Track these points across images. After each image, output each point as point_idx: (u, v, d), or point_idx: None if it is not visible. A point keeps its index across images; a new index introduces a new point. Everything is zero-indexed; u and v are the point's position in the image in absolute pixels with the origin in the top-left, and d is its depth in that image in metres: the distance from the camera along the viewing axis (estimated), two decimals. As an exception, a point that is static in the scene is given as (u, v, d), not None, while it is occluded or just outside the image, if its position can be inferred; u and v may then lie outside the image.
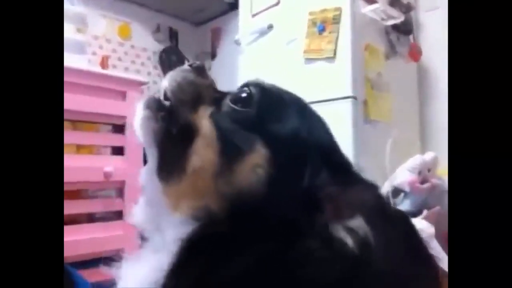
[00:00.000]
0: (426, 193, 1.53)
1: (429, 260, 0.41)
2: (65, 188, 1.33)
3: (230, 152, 0.45)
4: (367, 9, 1.76)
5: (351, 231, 0.37)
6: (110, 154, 1.49)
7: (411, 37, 2.03)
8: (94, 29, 2.74)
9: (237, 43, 2.20)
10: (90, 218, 1.44)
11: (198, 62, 0.56)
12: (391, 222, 0.40)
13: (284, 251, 0.38)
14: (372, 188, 0.44)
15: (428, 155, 1.64)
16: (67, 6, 2.52)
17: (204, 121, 0.48)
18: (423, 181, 1.55)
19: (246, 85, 0.51)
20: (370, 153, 1.65)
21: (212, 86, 0.54)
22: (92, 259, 1.26)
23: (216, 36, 3.16)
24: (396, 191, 1.56)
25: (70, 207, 1.34)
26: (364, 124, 1.68)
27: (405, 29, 1.96)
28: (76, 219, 1.38)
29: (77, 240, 1.30)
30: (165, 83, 0.52)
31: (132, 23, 2.97)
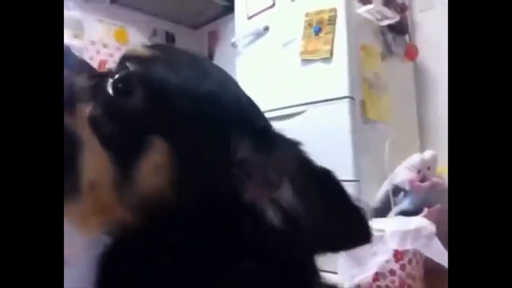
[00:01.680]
0: (426, 191, 1.54)
1: (356, 212, 0.37)
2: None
3: (122, 158, 0.38)
4: (362, 10, 1.77)
5: (277, 204, 0.35)
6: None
7: (407, 36, 2.05)
8: (90, 34, 2.74)
9: (234, 45, 2.21)
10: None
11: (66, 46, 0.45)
12: (316, 179, 0.36)
13: (214, 245, 0.36)
14: (294, 146, 0.38)
15: (427, 154, 1.65)
16: (63, 12, 2.52)
17: (82, 126, 0.39)
18: (423, 180, 1.56)
19: (123, 60, 0.41)
20: (369, 153, 1.66)
21: (85, 73, 0.43)
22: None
23: (212, 39, 3.17)
24: (396, 190, 1.57)
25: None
26: (362, 124, 1.69)
27: (401, 29, 1.98)
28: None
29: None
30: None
31: (128, 27, 2.97)
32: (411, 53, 2.03)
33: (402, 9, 1.98)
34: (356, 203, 0.36)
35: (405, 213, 1.49)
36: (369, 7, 1.76)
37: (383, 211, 1.55)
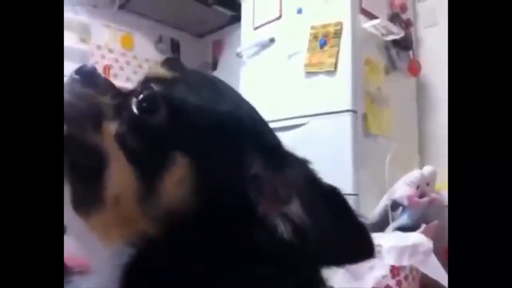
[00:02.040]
0: (424, 207, 1.54)
1: (361, 230, 0.39)
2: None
3: (147, 173, 0.40)
4: (368, 25, 1.79)
5: (287, 219, 0.37)
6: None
7: (410, 52, 2.06)
8: (97, 39, 2.77)
9: (239, 55, 2.23)
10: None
11: (87, 66, 0.48)
12: (324, 197, 0.39)
13: (227, 257, 0.38)
14: (303, 165, 0.41)
15: (427, 169, 1.65)
16: (71, 16, 2.56)
17: (109, 142, 0.42)
18: (421, 195, 1.56)
19: (147, 79, 0.44)
20: (369, 167, 1.66)
21: (110, 92, 0.46)
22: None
23: (217, 48, 3.19)
24: (395, 205, 1.57)
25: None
26: (364, 137, 1.70)
27: (405, 44, 1.99)
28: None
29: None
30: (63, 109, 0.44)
31: (134, 33, 3.00)
32: (414, 68, 2.05)
33: (407, 25, 2.00)
34: (361, 219, 0.38)
35: (402, 228, 1.48)
36: (374, 22, 1.78)
37: (381, 225, 1.55)
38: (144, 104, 0.42)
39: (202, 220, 0.39)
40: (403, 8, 2.02)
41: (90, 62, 2.67)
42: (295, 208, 0.37)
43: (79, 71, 0.47)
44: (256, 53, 2.13)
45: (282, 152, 0.42)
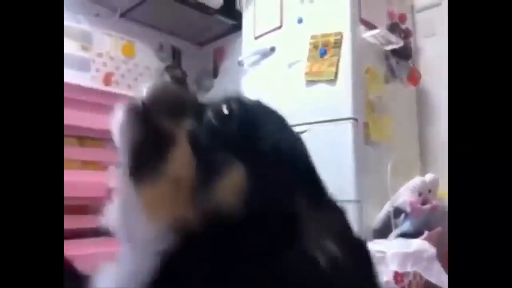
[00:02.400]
0: (427, 214, 1.55)
1: (379, 283, 0.44)
2: (70, 203, 1.35)
3: (208, 168, 0.45)
4: (368, 34, 1.81)
5: (323, 250, 0.40)
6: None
7: (410, 61, 2.09)
8: (98, 47, 2.78)
9: (240, 64, 2.25)
10: (94, 233, 1.45)
11: (179, 72, 0.56)
12: (354, 246, 0.44)
13: (262, 269, 0.40)
14: (342, 213, 0.46)
15: (429, 176, 1.67)
16: (73, 24, 2.57)
17: (182, 134, 0.47)
18: (424, 202, 1.57)
19: (227, 99, 0.51)
20: (371, 174, 1.67)
21: (193, 98, 0.53)
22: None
23: (218, 56, 3.21)
24: (397, 212, 1.58)
25: (74, 222, 1.35)
26: (365, 145, 1.71)
27: (405, 54, 2.02)
28: (80, 234, 1.38)
29: (80, 255, 1.31)
30: (145, 91, 0.51)
31: (136, 41, 3.01)
32: (414, 77, 2.07)
33: (406, 35, 2.03)
34: (377, 272, 0.44)
35: (405, 235, 1.49)
36: (374, 32, 1.80)
37: (383, 232, 1.56)
38: (221, 115, 0.48)
39: (245, 229, 0.42)
40: (402, 18, 2.05)
41: (92, 70, 2.68)
42: (330, 246, 0.40)
43: (172, 75, 0.55)
44: (257, 61, 2.15)
45: (325, 195, 0.48)
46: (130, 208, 0.46)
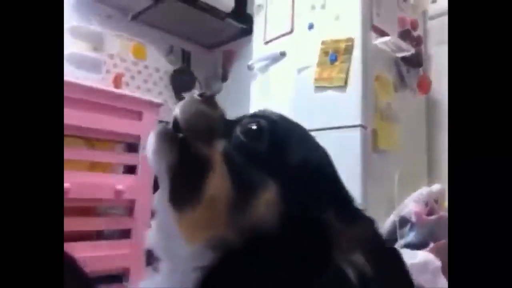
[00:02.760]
0: (433, 225, 1.53)
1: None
2: (77, 204, 1.36)
3: (243, 187, 0.46)
4: (379, 41, 1.80)
5: (352, 264, 0.41)
6: (122, 173, 1.51)
7: (421, 69, 2.07)
8: (109, 48, 2.80)
9: (250, 68, 2.25)
10: (99, 235, 1.45)
11: (208, 92, 0.56)
12: (384, 255, 0.44)
13: (296, 282, 0.41)
14: (371, 224, 0.47)
15: (435, 187, 1.65)
16: (85, 26, 2.60)
17: (217, 155, 0.49)
18: (430, 213, 1.55)
19: (255, 116, 0.52)
20: (378, 182, 1.66)
21: (222, 117, 0.55)
22: (98, 277, 1.27)
23: (227, 60, 3.22)
24: (403, 221, 1.56)
25: (80, 224, 1.36)
26: (373, 153, 1.70)
27: (416, 61, 2.00)
28: (85, 236, 1.39)
29: (86, 256, 1.31)
30: (176, 112, 0.52)
31: (146, 44, 3.03)
32: (424, 85, 2.05)
33: (417, 42, 2.01)
34: (414, 281, 0.45)
35: (410, 246, 1.48)
36: (385, 39, 1.79)
37: (389, 242, 1.54)
38: (251, 132, 0.50)
39: (279, 243, 0.43)
40: (414, 25, 2.03)
41: (102, 71, 2.71)
42: (359, 258, 0.41)
43: (202, 94, 0.55)
44: (267, 66, 2.15)
45: (353, 207, 0.49)
46: (169, 231, 0.48)
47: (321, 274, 0.40)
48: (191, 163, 0.49)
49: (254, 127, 0.50)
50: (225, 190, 0.46)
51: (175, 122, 0.52)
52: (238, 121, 0.53)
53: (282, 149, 0.49)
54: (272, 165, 0.47)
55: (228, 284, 0.42)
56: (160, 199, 0.51)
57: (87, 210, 1.43)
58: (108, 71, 2.80)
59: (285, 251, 0.43)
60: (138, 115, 1.55)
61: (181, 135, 0.51)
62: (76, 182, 1.31)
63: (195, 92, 0.55)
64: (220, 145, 0.50)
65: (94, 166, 1.46)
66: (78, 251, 1.28)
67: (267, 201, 0.45)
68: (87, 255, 1.33)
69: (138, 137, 1.51)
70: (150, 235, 0.52)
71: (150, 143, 0.51)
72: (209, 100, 0.55)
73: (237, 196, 0.45)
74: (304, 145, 0.51)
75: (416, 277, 1.23)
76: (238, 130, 0.51)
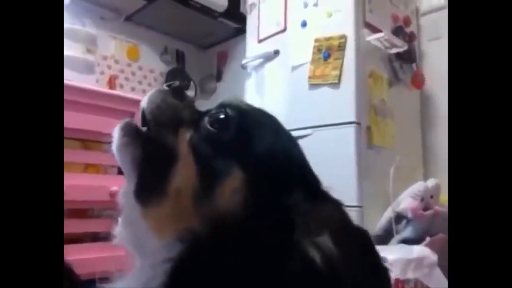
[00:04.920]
0: (428, 220, 1.54)
1: (384, 272, 0.44)
2: (71, 206, 1.35)
3: (209, 176, 0.46)
4: (372, 38, 1.80)
5: (319, 248, 0.40)
6: (117, 174, 1.50)
7: (414, 65, 2.07)
8: (103, 50, 2.80)
9: (244, 67, 2.25)
10: (94, 237, 1.44)
11: (176, 83, 0.56)
12: (353, 237, 0.43)
13: (263, 268, 0.40)
14: (338, 205, 0.46)
15: (431, 182, 1.65)
16: (78, 28, 2.59)
17: (183, 145, 0.49)
18: (426, 208, 1.56)
19: (223, 105, 0.52)
20: (373, 178, 1.66)
21: (190, 108, 0.54)
22: (94, 279, 1.26)
23: (222, 59, 3.22)
24: (399, 217, 1.57)
25: (75, 226, 1.35)
26: (368, 149, 1.70)
27: (409, 57, 2.00)
28: (81, 238, 1.38)
29: (81, 259, 1.30)
30: (143, 104, 0.52)
31: (140, 45, 3.03)
32: (418, 81, 2.06)
33: (410, 38, 2.02)
34: (385, 264, 0.43)
35: (407, 241, 1.48)
36: (378, 35, 1.79)
37: (385, 238, 1.54)
38: (218, 122, 0.50)
39: (245, 229, 0.43)
40: (407, 21, 2.04)
41: (96, 72, 2.70)
42: (326, 240, 0.40)
43: (169, 85, 0.55)
44: (261, 65, 2.15)
45: (319, 190, 0.48)
46: (137, 226, 0.48)
47: (287, 259, 0.40)
48: (157, 156, 0.49)
49: (221, 116, 0.50)
50: (191, 181, 0.46)
51: (142, 113, 0.51)
52: (206, 112, 0.52)
53: (249, 137, 0.49)
54: (238, 153, 0.47)
55: (196, 274, 0.41)
56: (126, 195, 0.50)
57: (82, 212, 1.42)
58: (102, 73, 2.79)
59: (251, 238, 0.42)
60: (132, 116, 1.54)
61: (145, 128, 0.51)
62: (71, 184, 1.30)
63: (164, 85, 0.55)
64: (186, 136, 0.50)
65: (89, 168, 1.45)
66: (73, 253, 1.27)
67: (232, 188, 0.45)
68: (82, 257, 1.33)
69: (132, 138, 1.50)
70: (117, 232, 0.51)
71: (114, 138, 0.51)
72: (176, 91, 0.54)
73: (203, 185, 0.45)
74: (271, 133, 0.51)
75: (414, 272, 1.23)
76: (205, 120, 0.50)
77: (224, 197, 0.44)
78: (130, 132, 0.51)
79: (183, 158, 0.47)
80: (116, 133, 0.51)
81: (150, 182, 0.48)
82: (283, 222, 0.43)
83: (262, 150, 0.48)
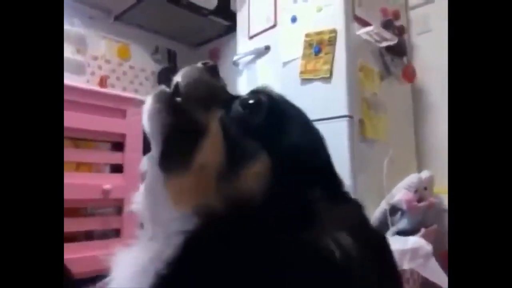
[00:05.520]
0: (423, 212, 1.54)
1: (398, 277, 0.45)
2: (65, 205, 1.34)
3: (235, 157, 0.46)
4: (362, 31, 1.80)
5: (338, 243, 0.40)
6: (109, 172, 1.49)
7: (405, 58, 2.08)
8: (93, 50, 2.78)
9: (235, 64, 2.24)
10: (89, 235, 1.43)
11: (212, 62, 0.57)
12: (371, 239, 0.44)
13: (278, 255, 0.40)
14: (358, 208, 0.47)
15: (424, 174, 1.66)
16: (67, 27, 2.57)
17: (213, 122, 0.49)
18: (420, 200, 1.57)
19: (256, 91, 0.53)
20: (367, 172, 1.66)
21: (223, 88, 0.55)
22: (90, 277, 1.25)
23: (213, 57, 3.21)
24: (394, 210, 1.57)
25: (69, 225, 1.34)
26: (361, 143, 1.70)
27: (399, 50, 2.01)
28: (75, 237, 1.37)
29: (75, 258, 1.30)
30: (178, 78, 0.53)
31: (131, 44, 3.01)
32: (409, 74, 2.06)
33: (400, 32, 2.02)
34: (399, 270, 0.41)
35: (402, 233, 1.48)
36: (368, 29, 1.80)
37: (380, 230, 1.55)
38: (250, 106, 0.50)
39: (264, 215, 0.43)
40: (396, 15, 2.05)
41: (87, 73, 2.68)
42: (345, 238, 0.41)
43: (205, 63, 0.55)
44: (252, 61, 2.15)
45: (341, 190, 0.49)
46: (157, 194, 0.48)
47: (303, 248, 0.40)
48: (186, 127, 0.49)
49: (254, 100, 0.51)
50: (216, 158, 0.46)
51: (176, 87, 0.52)
52: (238, 96, 0.53)
53: (279, 125, 0.49)
54: (267, 139, 0.47)
55: (208, 251, 0.42)
56: (150, 162, 0.51)
57: (75, 210, 1.41)
58: (93, 73, 2.77)
59: (269, 225, 0.42)
60: (122, 113, 1.53)
61: (179, 99, 0.51)
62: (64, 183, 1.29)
63: (200, 63, 0.56)
64: (217, 114, 0.50)
65: (80, 166, 1.44)
66: (67, 252, 1.26)
67: (256, 173, 0.45)
68: (76, 256, 1.32)
69: (123, 136, 1.49)
70: (137, 198, 0.52)
71: (146, 105, 0.51)
72: (212, 69, 0.55)
73: (228, 164, 0.46)
74: (301, 125, 0.52)
75: (409, 262, 1.23)
76: (237, 102, 0.51)
77: (248, 180, 0.45)
78: (163, 99, 0.51)
79: (212, 135, 0.48)
80: (149, 100, 0.51)
81: (176, 152, 0.48)
82: (303, 215, 0.43)
83: (291, 141, 0.48)
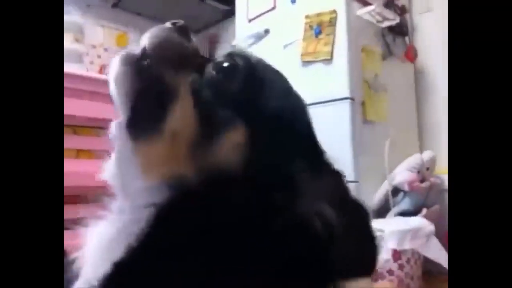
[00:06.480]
0: (425, 192, 1.54)
1: (374, 241, 0.44)
2: (65, 193, 1.33)
3: (209, 124, 0.43)
4: (362, 11, 1.78)
5: (319, 214, 0.39)
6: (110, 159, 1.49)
7: (406, 38, 2.05)
8: (91, 39, 2.76)
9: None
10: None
11: (181, 22, 0.52)
12: (350, 208, 0.43)
13: (258, 228, 0.39)
14: (339, 177, 0.46)
15: (426, 155, 1.65)
16: (64, 16, 2.54)
17: (184, 86, 0.45)
18: (422, 180, 1.56)
19: (231, 54, 0.48)
20: (369, 153, 1.65)
21: (195, 50, 0.51)
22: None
23: (213, 43, 3.18)
24: (396, 191, 1.56)
25: (69, 212, 1.34)
26: (362, 124, 1.69)
27: (401, 30, 1.98)
28: (76, 224, 1.37)
29: (75, 244, 1.30)
30: (144, 39, 0.48)
31: (129, 31, 2.99)
32: (411, 54, 2.04)
33: (401, 11, 1.99)
34: (375, 234, 0.43)
35: (404, 213, 1.48)
36: (369, 8, 1.77)
37: (382, 211, 1.55)
38: (224, 70, 0.46)
39: (241, 187, 0.41)
40: (398, -6, 2.01)
41: (85, 62, 2.66)
42: (326, 209, 0.39)
43: (175, 24, 0.51)
44: (252, 44, 2.12)
45: (322, 160, 0.47)
46: (127, 162, 0.45)
47: (283, 221, 0.38)
48: (155, 91, 0.45)
49: (229, 64, 0.47)
50: (189, 124, 0.43)
51: (143, 49, 0.48)
52: (212, 59, 0.49)
53: (257, 91, 0.45)
54: (244, 106, 0.44)
55: (182, 223, 0.39)
56: (119, 129, 0.47)
57: (76, 198, 1.41)
58: (92, 62, 2.76)
59: (246, 195, 0.40)
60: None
61: (147, 62, 0.47)
62: (64, 171, 1.29)
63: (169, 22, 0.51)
64: (188, 77, 0.46)
65: (80, 154, 1.44)
66: (67, 239, 1.26)
67: (233, 142, 0.42)
68: (76, 242, 1.32)
69: (123, 122, 1.48)
70: (107, 168, 0.49)
71: (112, 68, 0.47)
72: (182, 29, 0.50)
73: (202, 132, 0.43)
74: (280, 92, 0.48)
75: (411, 242, 1.23)
76: (211, 66, 0.47)
77: (223, 150, 0.42)
78: (130, 62, 0.47)
79: (182, 99, 0.44)
80: (115, 63, 0.48)
81: (144, 118, 0.45)
82: (283, 186, 0.41)
83: (270, 109, 0.45)
